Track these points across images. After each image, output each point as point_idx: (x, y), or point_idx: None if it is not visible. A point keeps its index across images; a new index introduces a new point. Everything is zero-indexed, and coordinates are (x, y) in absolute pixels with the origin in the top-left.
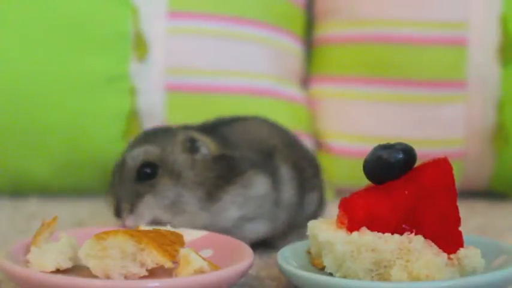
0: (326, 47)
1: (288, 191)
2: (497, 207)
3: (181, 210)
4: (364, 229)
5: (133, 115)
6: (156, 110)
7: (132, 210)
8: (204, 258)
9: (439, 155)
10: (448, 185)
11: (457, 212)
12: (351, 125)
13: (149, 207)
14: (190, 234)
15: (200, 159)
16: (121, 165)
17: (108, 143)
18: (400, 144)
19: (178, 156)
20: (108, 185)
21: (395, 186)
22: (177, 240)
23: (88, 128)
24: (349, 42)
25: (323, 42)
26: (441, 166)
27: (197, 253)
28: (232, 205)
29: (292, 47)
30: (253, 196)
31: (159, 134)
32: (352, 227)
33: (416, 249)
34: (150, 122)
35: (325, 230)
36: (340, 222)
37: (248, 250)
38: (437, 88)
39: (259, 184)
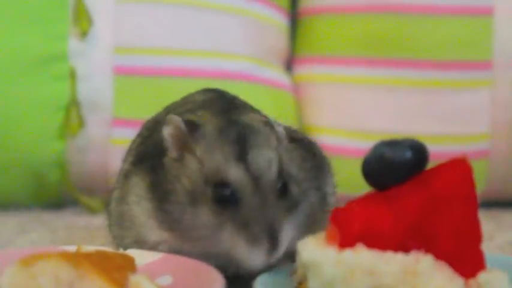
0: (315, 20)
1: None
2: None
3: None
4: (359, 246)
5: (73, 104)
6: (102, 98)
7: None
8: None
9: (457, 154)
10: (467, 191)
11: (478, 226)
12: (346, 116)
13: (288, 235)
14: (144, 257)
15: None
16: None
17: (42, 140)
18: (408, 140)
19: (290, 163)
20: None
21: (400, 193)
22: (127, 265)
23: (16, 120)
24: (343, 13)
25: (311, 13)
26: (458, 168)
27: (152, 281)
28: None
29: (274, 20)
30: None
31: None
32: (344, 243)
33: (424, 273)
34: (94, 113)
35: (312, 247)
36: (330, 238)
37: (217, 276)
38: (455, 70)
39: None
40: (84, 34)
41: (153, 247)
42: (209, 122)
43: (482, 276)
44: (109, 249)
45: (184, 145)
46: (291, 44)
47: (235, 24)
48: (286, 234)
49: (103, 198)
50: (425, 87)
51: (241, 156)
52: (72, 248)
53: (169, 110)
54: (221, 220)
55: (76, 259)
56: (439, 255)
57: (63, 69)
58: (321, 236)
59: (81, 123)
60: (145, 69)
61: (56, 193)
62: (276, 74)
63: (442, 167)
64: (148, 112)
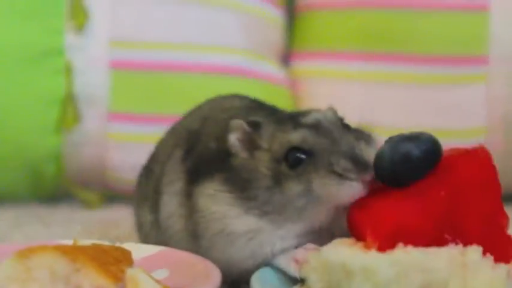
0: (312, 13)
1: None
2: None
3: None
4: (402, 245)
5: (69, 99)
6: (99, 92)
7: None
8: (157, 281)
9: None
10: (490, 179)
11: (503, 211)
12: (342, 111)
13: (372, 152)
14: (140, 250)
15: None
16: None
17: (38, 134)
18: (423, 134)
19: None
20: None
21: (425, 187)
22: (123, 258)
23: (12, 115)
24: (340, 8)
25: (308, 8)
26: (478, 157)
27: (148, 274)
28: None
29: (270, 15)
30: None
31: None
32: (381, 244)
33: (473, 264)
34: (90, 108)
35: (349, 252)
36: (361, 240)
37: (214, 270)
38: (451, 65)
39: None
40: (80, 28)
41: (243, 238)
42: (265, 120)
43: None
44: (105, 242)
45: (252, 145)
46: (288, 39)
47: (231, 18)
48: (369, 153)
49: (100, 193)
50: (422, 82)
51: (297, 125)
52: (68, 242)
53: (204, 117)
54: (307, 179)
55: (72, 252)
56: (471, 244)
57: (59, 64)
58: (344, 240)
59: (78, 117)
60: (142, 64)
61: (52, 187)
62: (272, 68)
63: (459, 158)
64: (145, 106)
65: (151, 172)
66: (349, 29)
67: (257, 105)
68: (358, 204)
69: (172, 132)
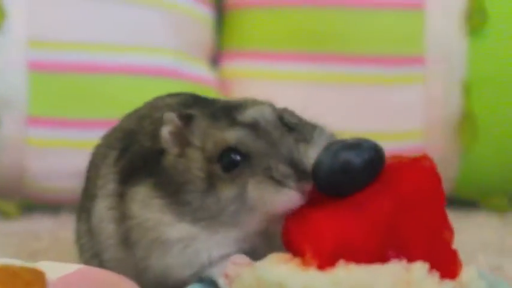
0: (242, 12)
1: None
2: (465, 219)
3: None
4: (342, 263)
5: None
6: (16, 95)
7: None
8: None
9: (391, 152)
10: (435, 190)
11: (449, 225)
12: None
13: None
14: (57, 270)
15: None
16: None
17: None
18: (364, 140)
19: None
20: None
21: (366, 199)
22: (36, 280)
23: None
24: (272, 6)
25: (238, 5)
26: (422, 166)
27: None
28: None
29: (198, 13)
30: None
31: None
32: (321, 261)
33: (418, 281)
34: (8, 111)
35: (287, 270)
36: (299, 257)
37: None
38: (387, 66)
39: None
40: None
41: (178, 246)
42: (198, 114)
43: (464, 275)
44: (17, 262)
45: (183, 140)
46: (218, 38)
47: (157, 16)
48: (310, 156)
49: (19, 202)
50: (357, 83)
51: (233, 122)
52: None
53: (141, 117)
54: (242, 183)
55: None
56: (415, 259)
57: None
58: (280, 256)
59: None
60: (62, 65)
61: None
62: (201, 69)
63: (402, 166)
64: (67, 110)
65: (88, 180)
66: (280, 27)
67: (195, 100)
68: (294, 216)
69: (108, 135)
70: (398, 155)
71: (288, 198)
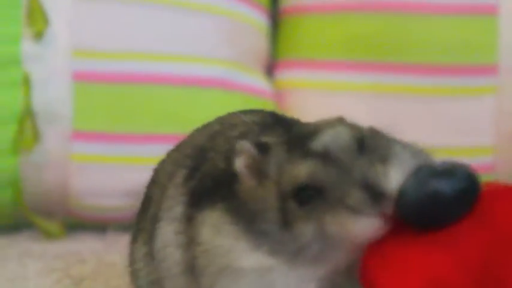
0: (298, 20)
1: None
2: None
3: None
4: None
5: (27, 115)
6: (61, 108)
7: None
8: None
9: None
10: None
11: None
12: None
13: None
14: None
15: None
16: None
17: None
18: (459, 167)
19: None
20: None
21: (459, 234)
22: None
23: None
24: (329, 12)
25: (294, 13)
26: None
27: None
28: None
29: (253, 20)
30: None
31: None
32: None
33: None
34: (51, 125)
35: None
36: None
37: None
38: (455, 76)
39: None
40: (39, 35)
41: (251, 276)
42: (275, 143)
43: None
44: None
45: (259, 171)
46: (272, 47)
47: (209, 24)
48: (388, 177)
49: (63, 221)
50: (422, 95)
51: (307, 153)
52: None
53: (213, 133)
54: (318, 217)
55: None
56: None
57: (16, 75)
58: None
59: (37, 136)
60: (108, 75)
61: (9, 215)
62: (256, 79)
63: (499, 196)
64: (113, 123)
65: (149, 199)
66: (339, 35)
67: (273, 120)
68: (375, 251)
69: (175, 150)
70: (492, 182)
71: (367, 224)
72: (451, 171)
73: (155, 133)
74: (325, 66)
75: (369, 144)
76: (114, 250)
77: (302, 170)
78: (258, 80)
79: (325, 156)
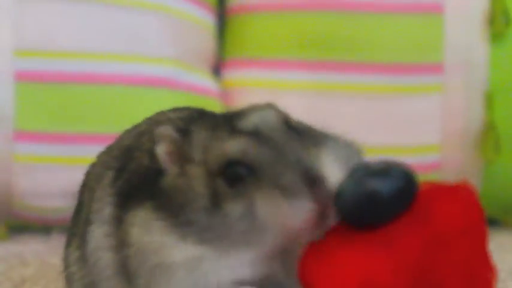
0: (246, 18)
1: None
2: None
3: None
4: None
5: None
6: (3, 107)
7: None
8: None
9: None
10: (475, 224)
11: (490, 264)
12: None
13: (334, 164)
14: None
15: None
16: None
17: None
18: (395, 166)
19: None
20: None
21: (396, 233)
22: None
23: None
24: (278, 11)
25: (241, 11)
26: (461, 196)
27: None
28: None
29: (199, 19)
30: None
31: None
32: None
33: None
34: None
35: None
36: None
37: None
38: (402, 74)
39: None
40: None
41: (183, 269)
42: (196, 126)
43: None
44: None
45: (182, 156)
46: (220, 46)
47: (154, 23)
48: (321, 161)
49: (6, 224)
50: (368, 93)
51: (234, 131)
52: None
53: (140, 133)
54: (249, 196)
55: None
56: None
57: None
58: None
59: None
60: (52, 75)
61: None
62: (202, 78)
63: (438, 195)
64: (57, 123)
65: (81, 203)
66: (288, 34)
67: (200, 115)
68: (313, 249)
69: (104, 153)
70: (433, 182)
71: (299, 208)
72: (387, 170)
73: (100, 133)
74: (274, 65)
75: (300, 130)
76: (58, 252)
77: (232, 146)
78: (203, 79)
79: (256, 135)
